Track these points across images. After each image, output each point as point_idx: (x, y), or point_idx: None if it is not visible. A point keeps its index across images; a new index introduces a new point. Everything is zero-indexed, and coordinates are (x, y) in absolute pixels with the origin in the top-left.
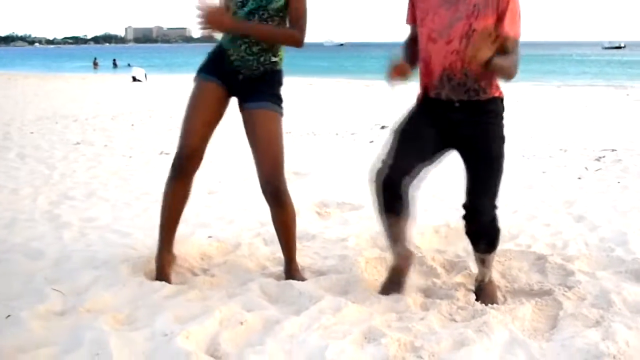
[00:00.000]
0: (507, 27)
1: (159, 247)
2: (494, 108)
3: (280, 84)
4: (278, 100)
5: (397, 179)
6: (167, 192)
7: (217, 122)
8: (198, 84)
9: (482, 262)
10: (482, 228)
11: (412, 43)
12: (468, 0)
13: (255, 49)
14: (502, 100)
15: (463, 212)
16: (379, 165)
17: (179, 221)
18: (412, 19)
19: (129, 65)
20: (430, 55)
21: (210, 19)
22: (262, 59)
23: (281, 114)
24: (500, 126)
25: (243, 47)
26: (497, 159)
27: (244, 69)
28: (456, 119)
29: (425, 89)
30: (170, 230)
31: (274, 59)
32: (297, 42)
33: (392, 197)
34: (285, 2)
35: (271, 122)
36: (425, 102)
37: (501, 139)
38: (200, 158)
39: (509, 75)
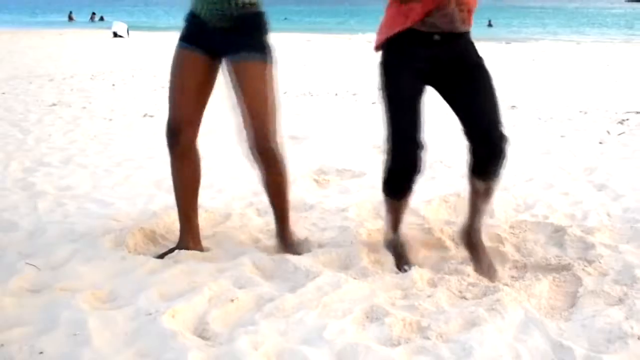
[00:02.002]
0: None
1: (180, 238)
2: (470, 39)
3: (265, 27)
4: (263, 47)
5: (417, 156)
6: (173, 174)
7: (206, 91)
8: (178, 53)
9: (487, 194)
10: (502, 151)
11: None
12: None
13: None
14: None
15: (478, 141)
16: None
17: (196, 202)
18: None
19: (101, 19)
20: None
21: None
22: (236, 2)
23: (269, 62)
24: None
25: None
26: (489, 73)
27: (219, 22)
28: (443, 57)
29: (412, 22)
30: (188, 214)
31: (248, 0)
32: None
33: (409, 176)
34: None
35: (256, 73)
36: (405, 41)
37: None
38: (194, 130)
39: None
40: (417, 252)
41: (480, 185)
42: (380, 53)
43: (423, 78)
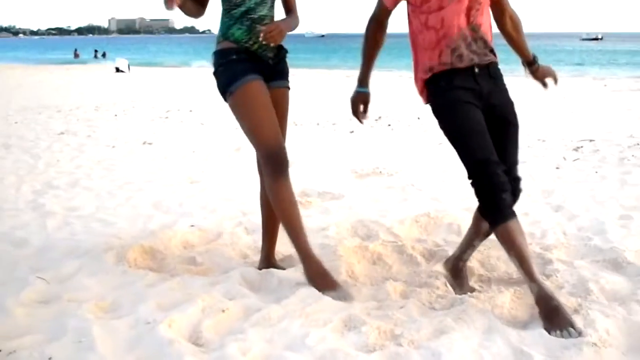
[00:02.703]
0: None
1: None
2: (500, 72)
3: (285, 57)
4: (288, 75)
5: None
6: (281, 196)
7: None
8: (249, 86)
9: (488, 235)
10: (517, 198)
11: (378, 26)
12: None
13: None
14: None
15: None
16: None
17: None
18: (394, 2)
19: (103, 55)
20: (442, 18)
21: (275, 36)
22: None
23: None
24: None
25: (258, 31)
26: (519, 124)
27: (269, 52)
28: (486, 90)
29: (436, 61)
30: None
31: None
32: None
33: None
34: None
35: (288, 98)
36: (449, 82)
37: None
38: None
39: None
40: (390, 268)
41: (486, 226)
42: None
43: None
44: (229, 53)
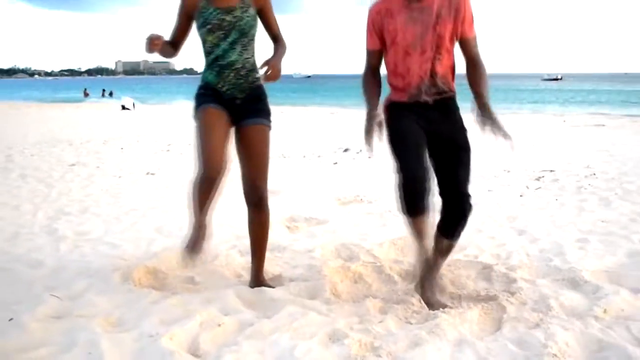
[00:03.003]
0: (467, 29)
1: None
2: (456, 104)
3: (266, 97)
4: (269, 115)
5: (421, 188)
6: (195, 193)
7: (228, 142)
8: (203, 111)
9: (447, 251)
10: (466, 212)
11: (372, 74)
12: (429, 12)
13: (243, 72)
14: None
15: (447, 200)
16: (402, 181)
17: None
18: (376, 44)
19: (110, 94)
20: (408, 67)
21: (273, 77)
22: (249, 78)
23: (270, 128)
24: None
25: (232, 75)
26: (470, 148)
27: (238, 93)
28: (433, 117)
29: (400, 97)
30: (205, 211)
31: (257, 76)
32: (286, 46)
33: (421, 203)
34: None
35: (265, 135)
36: (402, 107)
37: (466, 130)
38: (223, 174)
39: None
40: (370, 286)
41: (445, 243)
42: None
43: (424, 131)
44: (201, 89)
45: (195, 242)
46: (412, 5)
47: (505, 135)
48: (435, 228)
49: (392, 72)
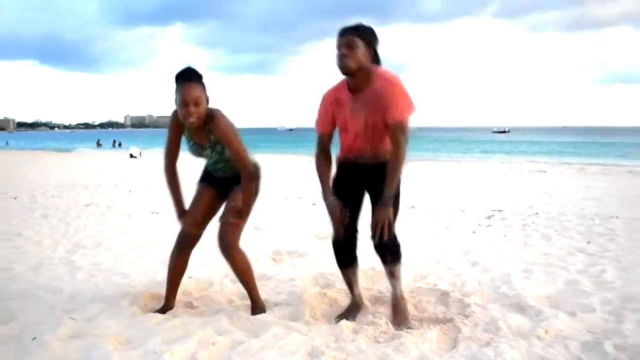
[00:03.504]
0: (389, 116)
1: (166, 297)
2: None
3: (256, 177)
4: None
5: (346, 249)
6: (171, 262)
7: (214, 213)
8: (199, 188)
9: (392, 274)
10: (385, 254)
11: (325, 156)
12: (367, 104)
13: (229, 171)
14: None
15: (374, 243)
16: (332, 240)
17: (179, 282)
18: (329, 128)
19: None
20: (353, 145)
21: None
22: (233, 171)
23: (255, 192)
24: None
25: (221, 172)
26: (395, 202)
27: (224, 176)
28: (370, 173)
29: (346, 158)
30: (173, 288)
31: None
32: (251, 179)
33: (347, 254)
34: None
35: (245, 190)
36: (345, 166)
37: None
38: (197, 239)
39: (401, 169)
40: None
41: (385, 267)
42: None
43: (361, 184)
44: (203, 170)
45: (162, 310)
46: (356, 97)
47: (374, 237)
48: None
49: (342, 144)
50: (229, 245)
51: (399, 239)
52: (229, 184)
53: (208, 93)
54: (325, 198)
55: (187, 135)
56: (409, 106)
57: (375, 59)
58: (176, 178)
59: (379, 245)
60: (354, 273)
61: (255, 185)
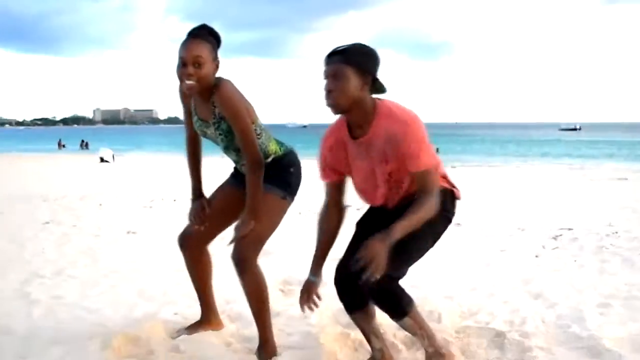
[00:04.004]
0: (411, 165)
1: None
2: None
3: (286, 169)
4: (282, 184)
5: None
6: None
7: (231, 216)
8: (223, 182)
9: (406, 329)
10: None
11: (331, 208)
12: (372, 149)
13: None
14: None
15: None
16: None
17: (208, 288)
18: (332, 177)
19: (86, 145)
20: (366, 195)
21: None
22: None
23: (280, 197)
24: None
25: (239, 165)
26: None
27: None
28: (393, 213)
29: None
30: (203, 298)
31: (268, 160)
32: (257, 168)
33: (350, 293)
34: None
35: (268, 201)
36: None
37: None
38: (204, 239)
39: (423, 219)
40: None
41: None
42: None
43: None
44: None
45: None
46: (357, 140)
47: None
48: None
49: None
50: (240, 260)
51: (404, 285)
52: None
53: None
54: (311, 274)
55: (193, 108)
56: (432, 158)
57: (377, 88)
58: (195, 151)
59: (371, 291)
60: (366, 320)
61: (283, 179)
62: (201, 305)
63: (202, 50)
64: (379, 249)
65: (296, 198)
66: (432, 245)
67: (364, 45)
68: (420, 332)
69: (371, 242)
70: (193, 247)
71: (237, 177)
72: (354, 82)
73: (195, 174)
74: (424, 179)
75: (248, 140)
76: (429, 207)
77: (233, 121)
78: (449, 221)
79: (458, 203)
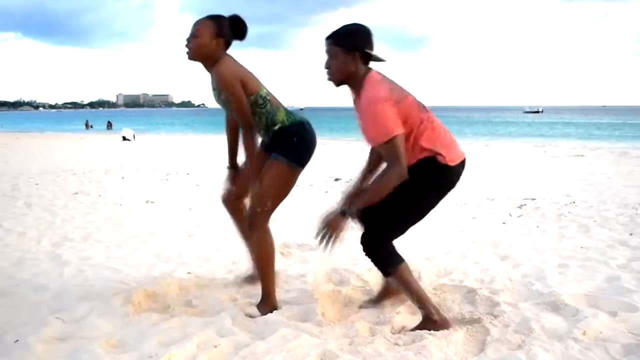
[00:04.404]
0: (369, 138)
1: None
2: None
3: (289, 138)
4: (283, 151)
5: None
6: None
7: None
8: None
9: (395, 284)
10: (364, 249)
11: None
12: (359, 118)
13: (261, 131)
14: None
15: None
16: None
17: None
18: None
19: (110, 126)
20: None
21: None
22: (269, 132)
23: (286, 164)
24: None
25: (262, 132)
26: (393, 194)
27: (265, 138)
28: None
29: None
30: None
31: (275, 128)
32: (249, 136)
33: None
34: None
35: (271, 167)
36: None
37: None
38: (239, 195)
39: (383, 188)
40: (360, 309)
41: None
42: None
43: None
44: None
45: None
46: (355, 105)
47: (320, 240)
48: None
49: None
50: (249, 217)
51: (396, 242)
52: (268, 147)
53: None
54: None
55: (210, 80)
56: (383, 135)
57: (374, 59)
58: (232, 127)
59: (363, 249)
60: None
61: (292, 148)
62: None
63: (202, 26)
64: (335, 221)
65: (307, 166)
66: (420, 211)
67: (352, 25)
68: (407, 293)
69: (328, 215)
70: (231, 202)
71: (261, 143)
72: (342, 59)
73: (231, 147)
74: (382, 152)
75: (237, 109)
76: (387, 178)
77: (224, 93)
78: (440, 188)
79: (455, 169)
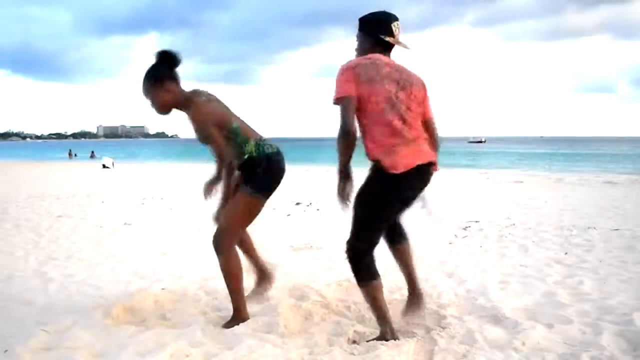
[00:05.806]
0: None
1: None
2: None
3: (253, 168)
4: (247, 182)
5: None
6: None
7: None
8: None
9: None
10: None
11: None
12: None
13: (238, 162)
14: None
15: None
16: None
17: (252, 252)
18: None
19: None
20: None
21: None
22: (236, 162)
23: (248, 194)
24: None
25: (235, 162)
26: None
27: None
28: None
29: None
30: (253, 263)
31: (245, 157)
32: (221, 163)
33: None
34: None
35: (237, 196)
36: None
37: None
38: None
39: (337, 150)
40: (319, 322)
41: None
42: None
43: None
44: None
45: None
46: None
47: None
48: None
49: None
50: (213, 242)
51: (375, 253)
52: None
53: (172, 85)
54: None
55: None
56: (335, 92)
57: (380, 45)
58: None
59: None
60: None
61: (259, 176)
62: (255, 269)
63: (149, 92)
64: (341, 188)
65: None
66: (378, 212)
67: (371, 14)
68: (370, 308)
69: (337, 188)
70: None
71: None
72: (359, 43)
73: (224, 179)
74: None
75: (213, 148)
76: (336, 138)
77: (198, 134)
78: (386, 191)
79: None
